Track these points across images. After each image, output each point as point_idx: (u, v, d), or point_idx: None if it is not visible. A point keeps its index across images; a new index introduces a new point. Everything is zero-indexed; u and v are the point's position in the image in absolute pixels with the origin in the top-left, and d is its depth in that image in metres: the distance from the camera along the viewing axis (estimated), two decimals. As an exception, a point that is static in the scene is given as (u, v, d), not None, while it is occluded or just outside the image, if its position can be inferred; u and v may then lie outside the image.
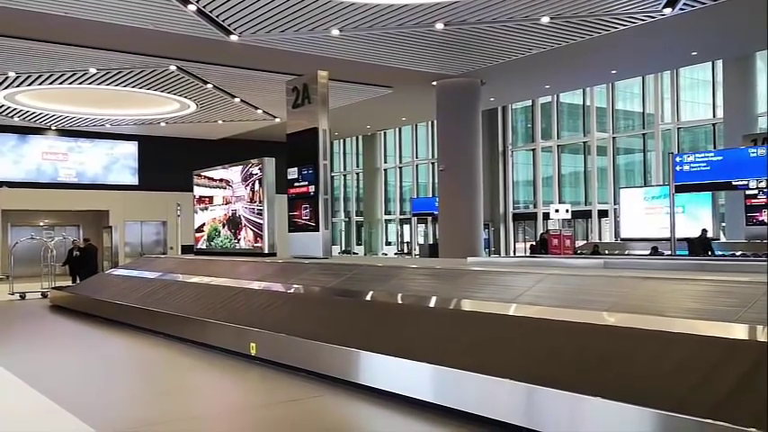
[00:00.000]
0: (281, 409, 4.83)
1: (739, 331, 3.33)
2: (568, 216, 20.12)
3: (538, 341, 4.22)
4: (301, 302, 6.93)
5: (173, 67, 14.64)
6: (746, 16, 12.21)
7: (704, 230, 14.87)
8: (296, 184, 9.46)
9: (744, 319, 3.38)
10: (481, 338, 4.59)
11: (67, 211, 23.42)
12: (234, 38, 12.29)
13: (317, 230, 9.02)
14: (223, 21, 11.49)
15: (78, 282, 15.08)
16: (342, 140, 30.94)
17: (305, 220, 9.26)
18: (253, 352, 6.18)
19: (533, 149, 23.90)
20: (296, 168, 9.45)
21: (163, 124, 21.74)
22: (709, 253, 13.74)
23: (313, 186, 9.10)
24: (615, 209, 20.06)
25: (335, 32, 12.14)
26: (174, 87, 16.53)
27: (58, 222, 23.84)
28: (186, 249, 15.92)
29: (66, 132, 22.98)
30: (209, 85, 16.40)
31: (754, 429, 2.60)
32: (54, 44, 12.86)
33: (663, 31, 12.53)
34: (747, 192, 14.23)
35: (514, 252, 23.90)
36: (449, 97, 16.22)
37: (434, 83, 16.13)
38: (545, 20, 11.71)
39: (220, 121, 21.39)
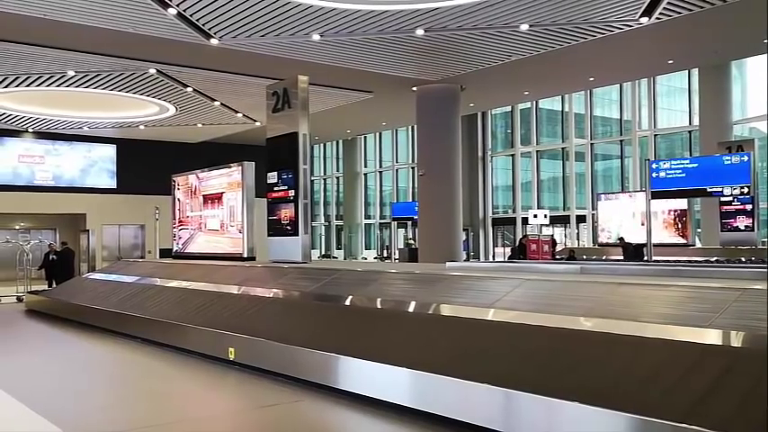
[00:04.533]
0: (258, 414, 4.82)
1: (711, 336, 3.39)
2: (546, 221, 20.29)
3: (515, 346, 4.26)
4: (280, 307, 6.91)
5: (152, 71, 14.54)
6: (721, 26, 12.44)
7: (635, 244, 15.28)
8: (276, 188, 9.44)
9: (716, 325, 3.44)
10: (459, 343, 4.62)
11: (44, 215, 23.11)
12: (214, 42, 12.25)
13: (297, 235, 9.01)
14: (203, 25, 11.44)
15: (54, 286, 14.88)
16: (322, 144, 30.91)
17: (284, 224, 9.24)
18: (231, 357, 6.16)
19: (512, 155, 24.07)
20: (276, 172, 9.44)
21: (142, 127, 21.56)
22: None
23: (293, 190, 9.10)
24: (593, 214, 20.27)
25: (316, 37, 12.15)
26: (153, 90, 16.41)
27: (35, 226, 23.51)
28: (164, 253, 15.79)
29: (43, 135, 22.68)
30: (189, 89, 16.31)
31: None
32: (31, 46, 12.70)
33: (640, 39, 12.72)
34: (722, 198, 14.46)
35: (493, 257, 24.03)
36: (429, 102, 16.29)
37: (415, 88, 16.20)
38: (524, 27, 11.82)
39: (200, 125, 21.27)
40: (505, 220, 24.60)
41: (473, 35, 12.43)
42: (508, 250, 21.80)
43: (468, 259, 20.30)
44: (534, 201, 23.12)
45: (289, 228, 9.15)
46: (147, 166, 22.56)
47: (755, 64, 18.39)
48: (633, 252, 14.52)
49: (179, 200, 12.34)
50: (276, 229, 9.41)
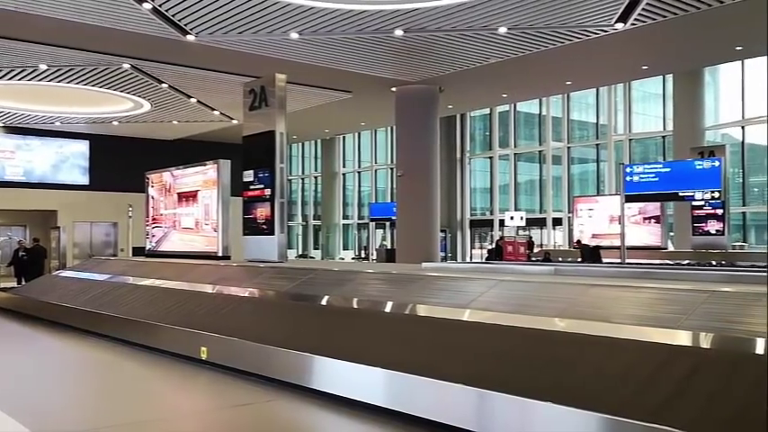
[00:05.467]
0: (229, 414, 4.77)
1: (681, 337, 3.43)
2: (523, 223, 20.44)
3: (489, 346, 4.27)
4: (254, 306, 6.85)
5: (126, 66, 14.35)
6: (694, 33, 12.63)
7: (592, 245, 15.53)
8: (252, 186, 9.36)
9: (685, 326, 3.48)
10: (434, 343, 4.62)
11: (14, 211, 22.67)
12: (191, 38, 12.13)
13: (273, 234, 8.94)
14: (179, 20, 11.32)
15: (24, 283, 14.61)
16: (300, 144, 30.80)
17: (260, 223, 9.18)
18: (203, 356, 6.09)
19: (490, 157, 24.21)
20: (252, 171, 9.36)
21: (115, 123, 21.28)
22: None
23: (269, 189, 9.03)
24: (569, 217, 20.45)
25: (294, 36, 12.09)
26: (127, 86, 16.20)
27: (4, 222, 23.06)
28: (138, 251, 15.60)
29: (14, 129, 22.27)
30: (165, 85, 16.13)
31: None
32: (2, 39, 12.47)
33: (615, 44, 12.86)
34: (694, 203, 14.68)
35: (471, 258, 24.14)
36: (408, 103, 16.32)
37: (394, 89, 16.20)
38: (503, 30, 11.89)
39: (176, 122, 21.05)
40: (483, 221, 24.73)
41: (452, 37, 12.47)
42: (486, 251, 21.92)
43: (445, 260, 20.36)
44: (512, 203, 23.27)
45: (264, 227, 9.08)
46: (121, 162, 22.26)
47: (728, 71, 18.74)
48: (590, 254, 14.69)
49: (153, 197, 12.19)
50: (252, 228, 9.33)
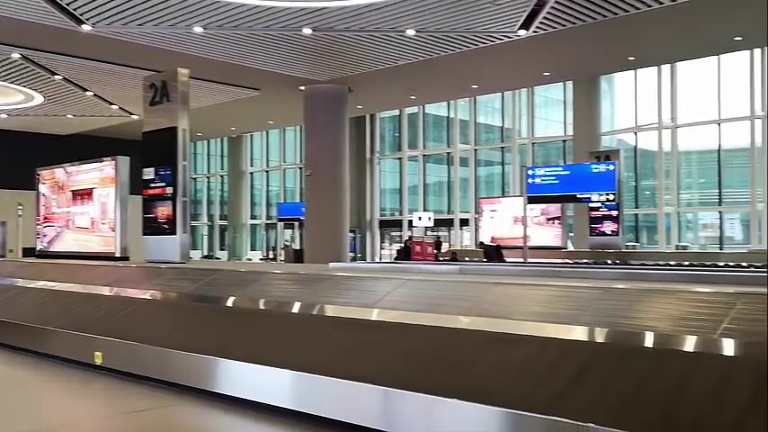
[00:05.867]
0: (123, 420, 4.54)
1: (577, 332, 3.55)
2: (431, 224, 20.77)
3: (395, 345, 4.27)
4: (154, 309, 6.57)
5: (16, 55, 13.46)
6: (592, 42, 13.27)
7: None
8: (152, 184, 8.98)
9: (581, 322, 3.61)
10: (341, 343, 4.58)
11: None
12: (86, 28, 11.52)
13: (175, 234, 8.62)
14: (74, 9, 10.73)
15: None
16: (206, 141, 29.96)
17: (161, 222, 8.83)
18: (98, 361, 5.77)
19: (400, 158, 24.47)
20: (153, 168, 8.98)
21: (4, 116, 19.91)
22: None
23: (170, 188, 8.70)
24: (476, 218, 20.98)
25: (198, 30, 11.73)
26: (17, 77, 15.20)
27: None
28: (28, 252, 14.65)
29: None
30: (58, 77, 15.24)
31: (592, 424, 2.76)
32: None
33: (519, 51, 13.32)
34: (591, 204, 15.40)
35: (380, 258, 24.30)
36: (316, 103, 16.22)
37: (302, 87, 16.06)
38: (411, 32, 12.03)
39: (70, 116, 19.95)
40: (392, 222, 24.95)
41: (361, 37, 12.49)
42: (395, 251, 22.12)
43: (354, 260, 20.38)
44: (420, 203, 23.61)
45: (166, 226, 8.74)
46: (11, 158, 20.84)
47: (622, 79, 19.83)
48: (494, 253, 15.17)
49: (44, 195, 11.48)
50: (152, 227, 8.96)
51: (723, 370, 2.76)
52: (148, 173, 9.04)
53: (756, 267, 9.11)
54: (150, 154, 9.08)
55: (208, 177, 30.79)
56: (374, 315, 4.78)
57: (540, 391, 3.17)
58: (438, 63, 14.03)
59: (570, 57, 14.59)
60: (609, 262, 14.05)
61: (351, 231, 18.73)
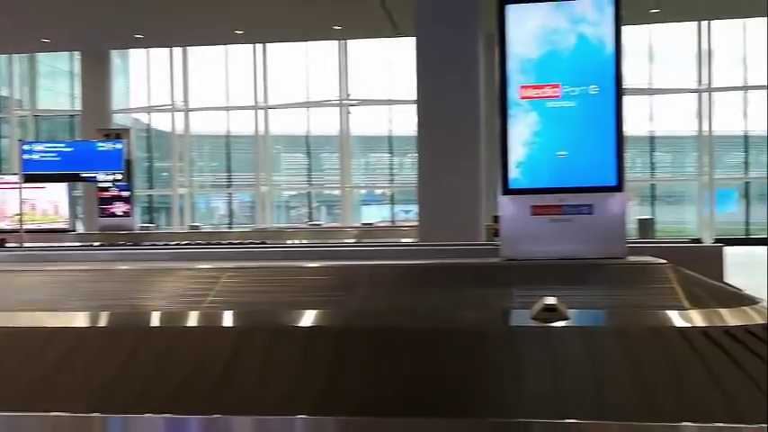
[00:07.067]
0: None
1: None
2: None
3: None
4: None
5: None
6: (99, 14, 12.51)
7: None
8: None
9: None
10: None
11: None
12: None
13: None
14: None
15: None
16: None
17: None
18: None
19: None
20: None
21: None
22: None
23: None
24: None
25: None
26: None
27: None
28: None
29: None
30: None
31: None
32: None
33: (9, 12, 11.68)
34: (99, 185, 14.61)
35: None
36: None
37: None
38: None
39: None
40: None
41: None
42: None
43: None
44: None
45: None
46: None
47: (138, 57, 19.46)
48: None
49: None
50: None
51: (206, 338, 2.76)
52: None
53: (257, 244, 9.94)
54: None
55: None
56: None
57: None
58: None
59: (75, 26, 13.50)
60: (122, 243, 13.59)
61: None
